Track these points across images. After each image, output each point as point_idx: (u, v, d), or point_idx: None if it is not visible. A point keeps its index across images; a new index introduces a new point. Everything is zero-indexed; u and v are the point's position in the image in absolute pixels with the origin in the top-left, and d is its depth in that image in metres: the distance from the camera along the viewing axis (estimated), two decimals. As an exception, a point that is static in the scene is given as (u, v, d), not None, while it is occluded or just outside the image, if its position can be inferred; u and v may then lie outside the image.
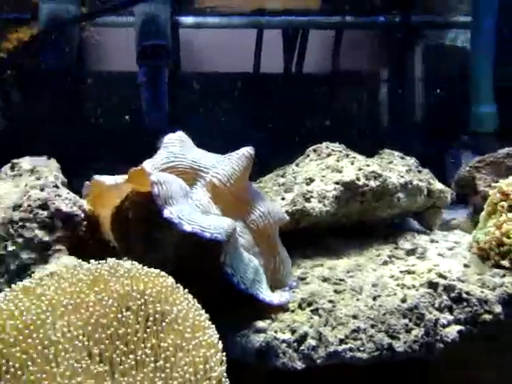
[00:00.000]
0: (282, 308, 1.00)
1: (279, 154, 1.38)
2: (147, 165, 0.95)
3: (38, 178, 1.18)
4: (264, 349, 0.93)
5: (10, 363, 0.68)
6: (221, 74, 2.11)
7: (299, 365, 0.93)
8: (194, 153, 1.09)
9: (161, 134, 1.90)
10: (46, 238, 1.03)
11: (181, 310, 0.77)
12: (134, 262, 0.83)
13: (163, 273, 0.82)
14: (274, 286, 1.06)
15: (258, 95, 2.13)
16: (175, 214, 0.89)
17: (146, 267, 0.82)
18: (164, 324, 0.75)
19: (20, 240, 1.04)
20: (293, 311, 1.00)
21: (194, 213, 0.93)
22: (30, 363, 0.69)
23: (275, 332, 0.95)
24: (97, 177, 1.02)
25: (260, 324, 0.96)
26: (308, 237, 1.25)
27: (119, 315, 0.75)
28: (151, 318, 0.75)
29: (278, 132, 2.06)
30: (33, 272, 1.02)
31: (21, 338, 0.70)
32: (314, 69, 2.24)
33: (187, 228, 0.88)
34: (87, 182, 1.24)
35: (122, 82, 1.97)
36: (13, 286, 0.79)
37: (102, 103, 1.95)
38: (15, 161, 1.26)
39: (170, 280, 0.81)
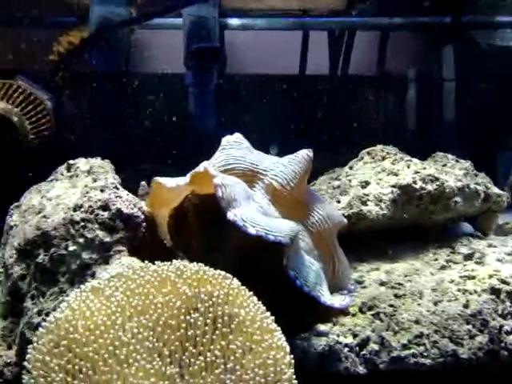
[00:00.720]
0: (343, 312, 0.99)
1: (326, 156, 1.37)
2: (210, 167, 0.95)
3: (95, 180, 1.19)
4: (326, 352, 0.92)
5: (82, 363, 0.69)
6: (266, 75, 2.11)
7: (361, 369, 0.92)
8: (252, 155, 1.09)
9: (209, 135, 1.92)
10: (107, 239, 1.04)
11: (248, 312, 0.77)
12: (199, 264, 0.82)
13: (229, 275, 0.82)
14: (333, 290, 1.05)
15: (303, 97, 2.12)
16: (239, 217, 0.89)
17: (211, 269, 0.82)
18: (232, 326, 0.75)
19: (81, 240, 1.05)
20: (354, 315, 0.99)
21: (257, 215, 0.92)
22: (101, 363, 0.69)
23: (337, 336, 0.94)
24: (157, 178, 1.03)
25: (322, 327, 0.95)
26: (362, 240, 1.24)
27: (187, 317, 0.75)
28: (219, 320, 0.75)
29: (324, 134, 2.05)
30: (94, 272, 1.03)
31: (92, 338, 0.71)
32: (360, 70, 2.22)
33: (251, 231, 0.88)
34: (143, 183, 1.26)
35: (170, 84, 1.99)
36: (82, 286, 0.80)
37: (149, 105, 1.96)
38: (71, 162, 1.27)
39: (236, 282, 0.81)
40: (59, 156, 1.30)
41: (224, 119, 1.92)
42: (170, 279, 0.79)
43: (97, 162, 1.26)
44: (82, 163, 1.26)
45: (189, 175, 0.95)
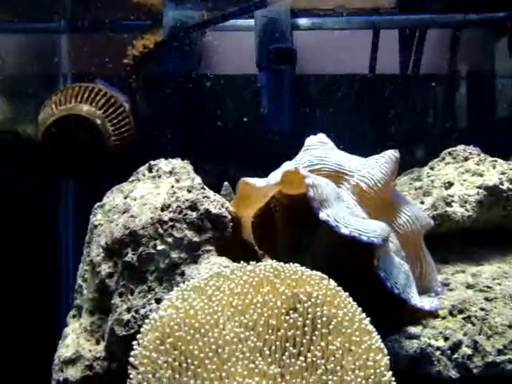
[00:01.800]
0: (433, 314, 0.98)
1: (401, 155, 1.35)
2: (301, 168, 0.95)
3: (178, 180, 1.21)
4: (418, 355, 0.92)
5: (189, 360, 0.71)
6: (336, 75, 2.10)
7: (454, 374, 0.91)
8: (337, 155, 1.09)
9: (282, 136, 1.92)
10: (196, 239, 1.06)
11: (346, 313, 0.77)
12: (296, 264, 0.83)
13: (325, 276, 0.82)
14: (420, 292, 1.04)
15: (374, 97, 2.10)
16: (332, 217, 0.89)
17: (308, 269, 0.82)
18: (331, 327, 0.75)
19: (170, 239, 1.07)
20: (444, 318, 0.98)
21: (349, 216, 0.92)
22: (207, 361, 0.70)
23: (428, 339, 0.93)
24: (245, 179, 1.04)
25: (412, 330, 0.95)
26: (445, 242, 1.22)
27: (287, 317, 0.76)
28: (318, 321, 0.75)
29: (396, 133, 2.03)
30: (183, 271, 1.05)
31: (197, 336, 0.72)
32: (431, 68, 2.18)
33: (345, 231, 0.88)
34: (226, 183, 1.27)
35: (242, 85, 2.00)
36: (182, 285, 0.82)
37: (221, 106, 1.98)
38: (152, 162, 1.29)
39: (333, 283, 0.81)
40: (137, 157, 1.33)
41: (297, 120, 1.92)
42: (267, 279, 0.80)
43: (178, 162, 1.28)
44: (163, 164, 1.28)
45: (279, 175, 0.96)
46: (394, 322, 0.97)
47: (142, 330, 0.77)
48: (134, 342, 0.76)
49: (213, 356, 0.71)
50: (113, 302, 1.14)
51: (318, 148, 1.10)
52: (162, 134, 1.88)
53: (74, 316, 1.29)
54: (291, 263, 0.85)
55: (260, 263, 0.85)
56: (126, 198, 1.25)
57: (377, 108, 2.06)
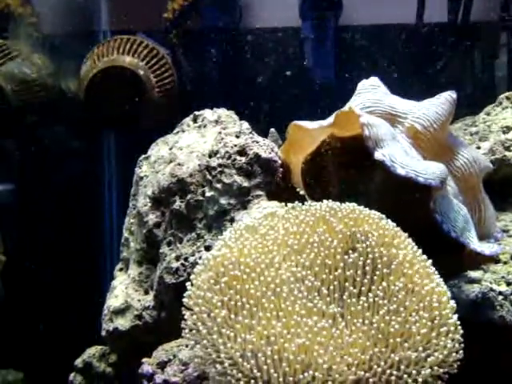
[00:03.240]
0: (493, 259, 0.94)
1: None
2: (356, 107, 0.91)
3: (224, 128, 1.18)
4: (479, 300, 0.88)
5: (245, 300, 0.68)
6: (382, 25, 2.02)
7: (516, 319, 0.87)
8: (390, 98, 1.05)
9: (328, 86, 1.87)
10: (246, 184, 1.03)
11: (407, 254, 0.74)
12: (353, 204, 0.80)
13: (384, 216, 0.79)
14: (479, 237, 1.00)
15: (421, 46, 2.01)
16: (388, 157, 0.85)
17: (366, 208, 0.79)
18: (393, 267, 0.72)
19: (219, 185, 1.05)
20: (505, 263, 0.94)
21: (405, 156, 0.88)
22: (264, 300, 0.68)
23: (490, 283, 0.89)
24: (296, 122, 1.00)
25: (472, 274, 0.91)
26: (502, 189, 1.17)
27: (345, 256, 0.73)
28: (378, 261, 0.73)
29: (444, 83, 1.95)
30: (232, 217, 1.03)
31: (253, 275, 0.70)
32: (480, 17, 2.09)
33: (401, 172, 0.84)
34: (272, 129, 1.24)
35: (284, 38, 1.95)
36: (234, 225, 0.80)
37: (264, 59, 1.93)
38: (197, 113, 1.27)
39: (392, 223, 0.78)
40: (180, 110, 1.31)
41: (342, 71, 1.86)
42: (324, 218, 0.77)
43: (224, 111, 1.25)
44: (208, 113, 1.25)
45: (333, 115, 0.92)
46: (453, 267, 0.93)
47: (195, 270, 0.75)
48: (188, 284, 0.74)
49: (270, 295, 0.69)
50: (161, 251, 1.13)
51: (370, 91, 1.05)
52: (204, 87, 1.85)
53: (120, 269, 1.29)
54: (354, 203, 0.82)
55: (315, 203, 0.81)
56: (171, 148, 1.23)
57: (424, 57, 1.99)
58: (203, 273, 0.73)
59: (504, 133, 1.16)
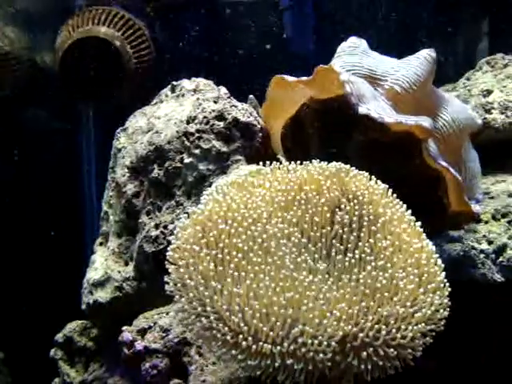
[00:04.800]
0: (474, 218, 0.94)
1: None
2: (336, 65, 0.90)
3: (203, 96, 1.16)
4: (461, 258, 0.88)
5: (232, 253, 0.67)
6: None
7: (499, 277, 0.87)
8: (369, 59, 1.03)
9: (307, 58, 1.85)
10: (224, 149, 1.02)
11: (394, 213, 0.73)
12: (340, 163, 0.78)
13: (372, 176, 0.78)
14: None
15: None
16: (373, 110, 0.84)
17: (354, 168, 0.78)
18: (379, 225, 0.71)
19: (197, 151, 1.03)
20: (486, 222, 0.94)
21: (390, 109, 0.87)
22: (251, 255, 0.67)
23: (471, 242, 0.89)
24: (279, 75, 0.98)
25: (454, 233, 0.90)
26: (484, 153, 1.17)
27: (332, 214, 0.72)
28: (365, 218, 0.72)
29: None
30: (211, 183, 1.02)
31: (241, 230, 0.69)
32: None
33: (389, 120, 0.83)
34: (251, 96, 1.22)
35: (262, 10, 1.92)
36: (220, 181, 0.78)
37: (243, 32, 1.90)
38: (175, 83, 1.24)
39: (380, 183, 0.77)
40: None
41: (321, 41, 1.84)
42: (312, 177, 0.75)
43: (202, 80, 1.23)
44: (186, 83, 1.23)
45: (314, 73, 0.90)
46: (435, 227, 0.92)
47: (179, 224, 0.73)
48: (172, 237, 0.73)
49: (257, 249, 0.67)
50: (140, 220, 1.11)
51: (349, 54, 1.03)
52: (182, 60, 1.82)
53: (100, 244, 1.26)
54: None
55: (303, 163, 0.80)
56: (149, 119, 1.20)
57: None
58: (189, 227, 0.71)
59: (484, 96, 1.16)
